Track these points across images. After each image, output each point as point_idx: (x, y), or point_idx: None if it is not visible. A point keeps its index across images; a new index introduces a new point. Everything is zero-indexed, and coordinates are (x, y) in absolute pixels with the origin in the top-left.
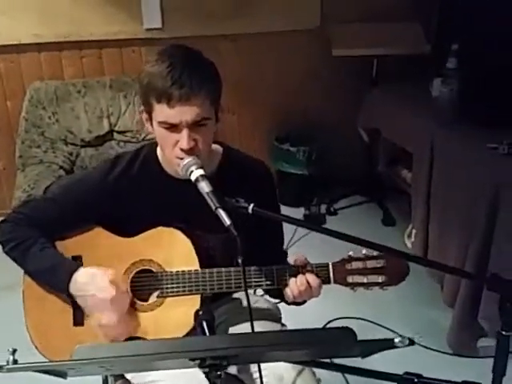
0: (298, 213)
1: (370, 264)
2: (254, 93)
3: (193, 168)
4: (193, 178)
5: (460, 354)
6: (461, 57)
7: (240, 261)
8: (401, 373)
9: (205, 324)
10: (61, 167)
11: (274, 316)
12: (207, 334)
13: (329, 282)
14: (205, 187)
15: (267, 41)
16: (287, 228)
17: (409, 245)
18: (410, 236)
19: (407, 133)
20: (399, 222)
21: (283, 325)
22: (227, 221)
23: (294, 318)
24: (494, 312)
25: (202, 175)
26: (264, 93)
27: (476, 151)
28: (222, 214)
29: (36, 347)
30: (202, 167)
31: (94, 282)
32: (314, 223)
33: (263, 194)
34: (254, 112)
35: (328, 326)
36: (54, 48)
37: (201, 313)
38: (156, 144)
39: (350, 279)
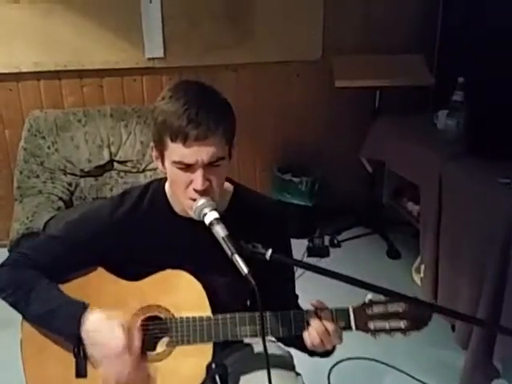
0: (301, 245)
1: (392, 308)
2: (255, 122)
3: (206, 210)
4: (207, 221)
5: None
6: (467, 90)
7: (257, 315)
8: None
9: (218, 379)
10: (60, 198)
11: (287, 364)
12: None
13: (350, 329)
14: (220, 231)
15: (268, 71)
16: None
17: (417, 281)
18: (418, 271)
19: (413, 165)
20: (404, 255)
21: (298, 374)
22: (245, 269)
23: (302, 358)
24: (508, 353)
25: (216, 218)
26: (266, 122)
27: (487, 186)
28: (239, 260)
29: None
30: (215, 209)
31: (105, 329)
32: (318, 255)
33: (276, 234)
34: (255, 142)
35: (336, 366)
36: (53, 76)
37: (214, 366)
38: (164, 180)
39: (371, 325)
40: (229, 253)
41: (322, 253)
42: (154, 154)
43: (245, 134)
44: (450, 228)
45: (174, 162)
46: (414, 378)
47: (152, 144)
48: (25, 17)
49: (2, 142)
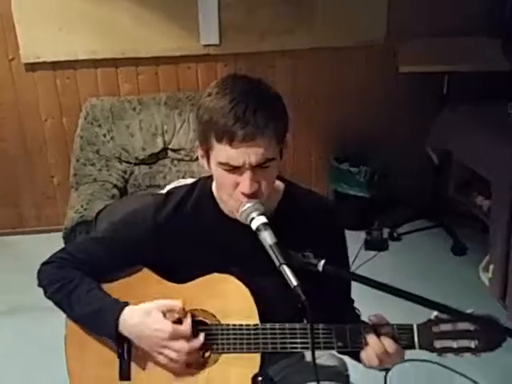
0: (358, 237)
1: (461, 326)
2: (312, 110)
3: (254, 214)
4: (254, 226)
5: None
6: None
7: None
8: None
9: None
10: (114, 186)
11: (340, 375)
12: None
13: (413, 347)
14: (267, 238)
15: (327, 56)
16: None
17: (485, 281)
18: (485, 270)
19: (484, 158)
20: (471, 251)
21: None
22: (294, 282)
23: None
24: None
25: (264, 224)
26: (323, 110)
27: None
28: (288, 272)
29: None
30: (263, 213)
31: (147, 321)
32: (376, 249)
33: (330, 239)
34: (311, 130)
35: (394, 369)
36: (110, 64)
37: (260, 379)
38: (211, 179)
39: (437, 344)
40: (277, 263)
41: (380, 246)
42: (200, 152)
43: (301, 121)
44: None
45: (220, 164)
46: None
47: (197, 143)
48: (83, 5)
49: (60, 129)
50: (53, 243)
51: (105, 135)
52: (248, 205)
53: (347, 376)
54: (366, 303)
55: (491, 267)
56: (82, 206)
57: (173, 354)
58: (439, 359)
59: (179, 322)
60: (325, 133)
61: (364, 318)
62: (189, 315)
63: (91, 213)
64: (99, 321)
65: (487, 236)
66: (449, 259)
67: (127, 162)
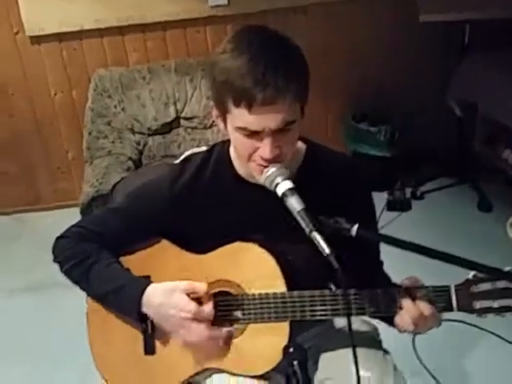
0: (380, 198)
1: (501, 284)
2: (327, 66)
3: (279, 179)
4: (279, 191)
5: None
6: None
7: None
8: None
9: (297, 365)
10: (129, 158)
11: (374, 341)
12: (299, 377)
13: (451, 310)
14: (295, 204)
15: (341, 10)
16: None
17: None
18: None
19: None
20: (497, 208)
21: (386, 351)
22: (326, 250)
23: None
24: None
25: (290, 189)
26: (338, 66)
27: None
28: (319, 239)
29: (105, 380)
30: (289, 178)
31: (169, 300)
32: (399, 209)
33: (357, 199)
34: (327, 88)
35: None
36: (116, 33)
37: (291, 350)
38: (229, 143)
39: (476, 305)
40: (306, 230)
41: (403, 206)
42: (215, 113)
43: (316, 79)
44: None
45: (238, 128)
46: (510, 342)
47: (212, 103)
48: None
49: (70, 102)
50: (71, 219)
51: (115, 106)
52: (272, 170)
53: (380, 342)
54: (396, 266)
55: None
56: (97, 180)
57: (191, 337)
58: (467, 318)
59: (201, 303)
60: (341, 91)
61: (396, 281)
62: (212, 298)
63: (107, 186)
64: (121, 299)
65: None
66: (475, 216)
67: (140, 133)
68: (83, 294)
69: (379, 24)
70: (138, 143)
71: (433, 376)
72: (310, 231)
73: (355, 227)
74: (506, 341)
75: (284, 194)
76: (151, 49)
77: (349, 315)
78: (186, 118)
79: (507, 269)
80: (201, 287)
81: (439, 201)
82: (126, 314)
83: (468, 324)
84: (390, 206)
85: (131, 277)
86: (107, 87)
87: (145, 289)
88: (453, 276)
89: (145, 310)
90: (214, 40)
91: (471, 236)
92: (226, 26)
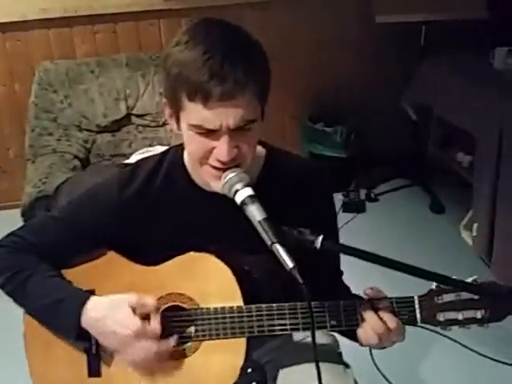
0: (336, 199)
1: (466, 295)
2: (283, 67)
3: (238, 186)
4: (239, 199)
5: None
6: None
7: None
8: None
9: None
10: (75, 157)
11: (333, 354)
12: None
13: (415, 323)
14: (256, 213)
15: (299, 8)
16: None
17: (467, 239)
18: (467, 228)
19: (467, 112)
20: (449, 209)
21: (346, 365)
22: (290, 264)
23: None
24: None
25: (250, 196)
26: (295, 67)
27: None
28: (282, 252)
29: None
30: (249, 184)
31: (112, 315)
32: (354, 211)
33: (319, 206)
34: (283, 88)
35: None
36: (63, 24)
37: (249, 370)
38: (183, 147)
39: (441, 317)
40: (268, 242)
41: (358, 208)
42: (167, 112)
43: (273, 79)
44: (511, 184)
45: (192, 126)
46: (470, 349)
47: (164, 100)
48: None
49: (12, 97)
50: (12, 221)
51: (62, 102)
52: (231, 175)
53: (340, 353)
54: (356, 276)
55: (475, 225)
56: (40, 180)
57: (139, 354)
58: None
59: (149, 318)
60: (298, 91)
61: (356, 291)
62: (159, 314)
63: (51, 187)
64: (58, 315)
65: (465, 192)
66: (427, 218)
67: (88, 130)
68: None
69: (337, 24)
70: (86, 141)
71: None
72: (272, 243)
73: (320, 239)
74: (469, 348)
75: (244, 202)
76: (101, 41)
77: (312, 331)
78: (138, 115)
79: (471, 278)
80: (148, 301)
81: (393, 202)
82: (64, 332)
83: (427, 329)
84: (345, 208)
85: (71, 290)
86: (53, 81)
87: (85, 302)
88: (417, 286)
89: (85, 326)
90: (167, 34)
91: (425, 237)
92: (181, 19)
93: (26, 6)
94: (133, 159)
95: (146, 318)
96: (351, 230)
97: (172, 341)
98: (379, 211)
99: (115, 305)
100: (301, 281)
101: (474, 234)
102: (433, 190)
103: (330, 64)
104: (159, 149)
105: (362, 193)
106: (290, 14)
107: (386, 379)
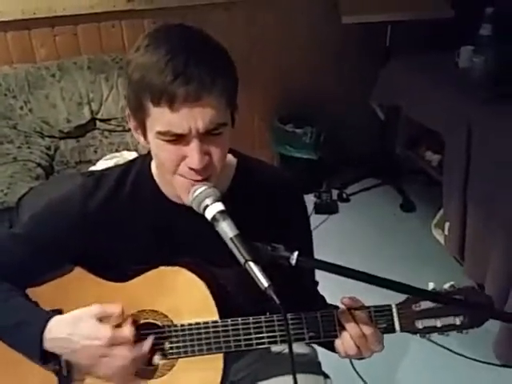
0: (307, 201)
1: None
2: (251, 68)
3: (208, 201)
4: (209, 215)
5: (509, 364)
6: (497, 22)
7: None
8: None
9: None
10: (38, 165)
11: (312, 364)
12: None
13: (393, 331)
14: (227, 230)
15: (266, 8)
16: None
17: (438, 237)
18: (437, 226)
19: (435, 111)
20: (420, 207)
21: (326, 375)
22: (265, 282)
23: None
24: None
25: (221, 212)
26: (263, 67)
27: None
28: (256, 271)
29: None
30: (219, 199)
31: (79, 330)
32: (326, 212)
33: (292, 215)
34: (251, 89)
35: None
36: (22, 26)
37: None
38: (150, 157)
39: (419, 324)
40: (241, 260)
41: (331, 209)
42: (133, 124)
43: (241, 80)
44: (481, 182)
45: (160, 133)
46: (445, 348)
47: (128, 112)
48: None
49: None
50: None
51: (22, 108)
52: (199, 190)
53: (319, 363)
54: (332, 285)
55: (447, 224)
56: (1, 191)
57: (116, 363)
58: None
59: (118, 326)
60: (266, 93)
61: (332, 301)
62: (129, 319)
63: (14, 198)
64: (20, 337)
65: (435, 190)
66: (399, 216)
67: (51, 137)
68: None
69: (304, 24)
70: (49, 148)
71: None
72: (246, 261)
73: (295, 255)
74: (446, 348)
75: (214, 218)
76: (61, 44)
77: (289, 343)
78: (103, 120)
79: (448, 284)
80: (114, 309)
81: (364, 202)
82: (29, 356)
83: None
84: (318, 210)
85: (33, 312)
86: (11, 86)
87: (46, 322)
88: (394, 293)
89: (51, 347)
90: (130, 36)
91: (397, 236)
92: (144, 20)
93: None
94: (99, 166)
95: (114, 327)
96: (325, 231)
97: (147, 343)
98: (351, 211)
99: (78, 319)
100: (277, 301)
101: (446, 233)
102: (403, 188)
103: (297, 65)
104: (126, 154)
105: (334, 193)
106: (256, 15)
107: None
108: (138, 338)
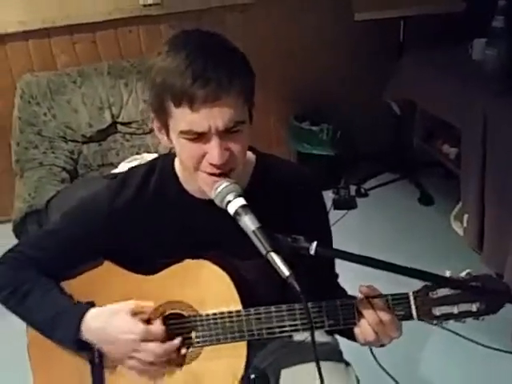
0: (326, 197)
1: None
2: (266, 68)
3: (230, 197)
4: (231, 210)
5: None
6: (509, 14)
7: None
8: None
9: None
10: (63, 169)
11: (335, 352)
12: None
13: (410, 318)
14: (249, 223)
15: (280, 8)
16: None
17: (457, 230)
18: (456, 219)
19: (451, 104)
20: (438, 200)
21: (347, 363)
22: (286, 271)
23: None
24: None
25: (243, 206)
26: (277, 67)
27: None
28: (278, 261)
29: None
30: (241, 195)
31: (114, 323)
32: (345, 207)
33: (311, 210)
34: (267, 89)
35: None
36: (42, 35)
37: (253, 376)
38: (173, 155)
39: (436, 311)
40: (263, 251)
41: (349, 204)
42: (156, 125)
43: (256, 80)
44: (498, 173)
45: (182, 133)
46: (463, 337)
47: (152, 114)
48: None
49: None
50: (2, 237)
51: (45, 114)
52: (222, 186)
53: (340, 352)
54: (350, 278)
55: (465, 216)
56: (29, 195)
57: (146, 357)
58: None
59: (150, 323)
60: (282, 91)
61: (353, 292)
62: (160, 317)
63: (41, 201)
64: (58, 328)
65: (453, 183)
66: (417, 210)
67: (74, 141)
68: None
69: (318, 23)
70: (72, 152)
71: (393, 378)
72: (267, 252)
73: (314, 245)
74: (461, 336)
75: (237, 213)
76: (81, 51)
77: (311, 330)
78: (123, 123)
79: (465, 272)
80: (147, 307)
81: (383, 197)
82: (66, 344)
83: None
84: (336, 205)
85: (70, 303)
86: (35, 94)
87: (84, 314)
88: (410, 284)
89: (86, 337)
90: (147, 40)
91: (416, 229)
92: (160, 25)
93: (4, 19)
94: (121, 168)
95: (146, 322)
96: (343, 226)
97: (176, 341)
98: (370, 206)
99: (114, 313)
100: (298, 289)
101: (465, 225)
102: (421, 182)
103: (311, 63)
104: (146, 156)
105: (352, 189)
106: (270, 16)
107: (388, 373)
108: (168, 334)
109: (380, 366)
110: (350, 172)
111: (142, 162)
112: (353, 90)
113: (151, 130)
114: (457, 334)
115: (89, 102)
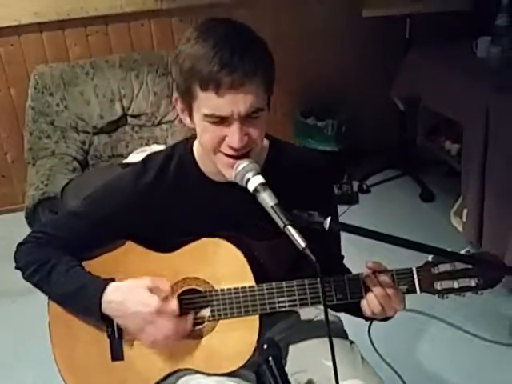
0: None
1: (460, 265)
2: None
3: (249, 175)
4: (251, 187)
5: None
6: None
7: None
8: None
9: (272, 361)
10: (74, 158)
11: (340, 331)
12: (275, 372)
13: (414, 291)
14: (268, 199)
15: (288, 4)
16: None
17: (457, 225)
18: (456, 215)
19: (454, 100)
20: (439, 197)
21: (352, 342)
22: (302, 243)
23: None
24: None
25: (262, 184)
26: (284, 63)
27: None
28: (295, 233)
29: None
30: (259, 173)
31: (132, 297)
32: (347, 203)
33: (321, 192)
34: (275, 84)
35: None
36: (56, 27)
37: (265, 346)
38: (192, 141)
39: (438, 285)
40: (281, 224)
41: (352, 200)
42: (180, 106)
43: None
44: (499, 169)
45: (206, 116)
46: (460, 328)
47: (176, 95)
48: None
49: (8, 101)
50: (14, 224)
51: (58, 104)
52: (242, 165)
53: (345, 331)
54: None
55: (465, 211)
56: (42, 182)
57: (162, 331)
58: (418, 307)
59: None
60: (288, 88)
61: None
62: (175, 295)
63: (53, 188)
64: (81, 300)
65: (454, 180)
66: (418, 206)
67: (85, 132)
68: (43, 301)
69: (324, 19)
70: (83, 143)
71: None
72: (285, 225)
73: (328, 220)
74: (458, 327)
75: (256, 190)
76: (93, 43)
77: (323, 294)
78: (133, 116)
79: (464, 250)
80: (163, 283)
81: (384, 193)
82: (88, 315)
83: (419, 313)
84: (339, 200)
85: (92, 277)
86: (48, 84)
87: (105, 287)
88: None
89: (106, 308)
90: (158, 33)
91: (417, 225)
92: (171, 18)
93: (19, 10)
94: (131, 159)
95: (162, 299)
96: (346, 221)
97: (190, 318)
98: (372, 202)
99: (133, 288)
100: (313, 258)
101: (464, 219)
102: (422, 179)
103: (318, 59)
104: (155, 148)
105: (355, 185)
106: (277, 11)
107: (382, 358)
108: (183, 308)
109: (375, 349)
110: (354, 168)
111: None
112: (359, 87)
113: (160, 123)
114: (457, 327)
115: (100, 93)
